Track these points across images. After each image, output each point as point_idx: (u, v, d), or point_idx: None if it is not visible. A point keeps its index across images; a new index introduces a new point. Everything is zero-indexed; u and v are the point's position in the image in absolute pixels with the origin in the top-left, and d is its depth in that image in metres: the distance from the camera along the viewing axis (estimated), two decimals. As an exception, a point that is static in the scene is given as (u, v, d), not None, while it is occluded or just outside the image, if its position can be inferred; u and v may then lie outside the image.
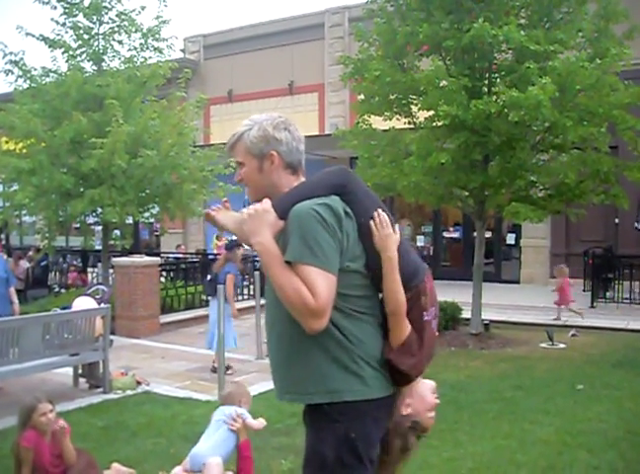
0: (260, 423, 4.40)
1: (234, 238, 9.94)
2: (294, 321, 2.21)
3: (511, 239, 17.48)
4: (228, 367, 8.11)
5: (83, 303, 7.97)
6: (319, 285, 2.12)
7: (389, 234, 2.34)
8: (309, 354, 2.25)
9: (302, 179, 2.43)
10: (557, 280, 11.86)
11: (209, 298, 8.92)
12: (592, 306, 12.85)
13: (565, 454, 4.96)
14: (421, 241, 18.67)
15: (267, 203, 2.26)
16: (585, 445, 5.12)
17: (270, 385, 7.42)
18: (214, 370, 7.94)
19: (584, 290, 14.15)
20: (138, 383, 7.61)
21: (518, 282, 16.91)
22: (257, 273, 10.15)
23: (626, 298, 12.87)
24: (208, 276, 8.93)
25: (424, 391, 2.55)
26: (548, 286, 16.08)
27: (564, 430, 5.54)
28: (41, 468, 4.32)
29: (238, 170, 2.47)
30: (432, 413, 2.57)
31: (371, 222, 2.33)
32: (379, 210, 2.35)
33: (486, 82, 9.51)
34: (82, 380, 7.66)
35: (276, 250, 2.20)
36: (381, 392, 2.31)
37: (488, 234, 16.74)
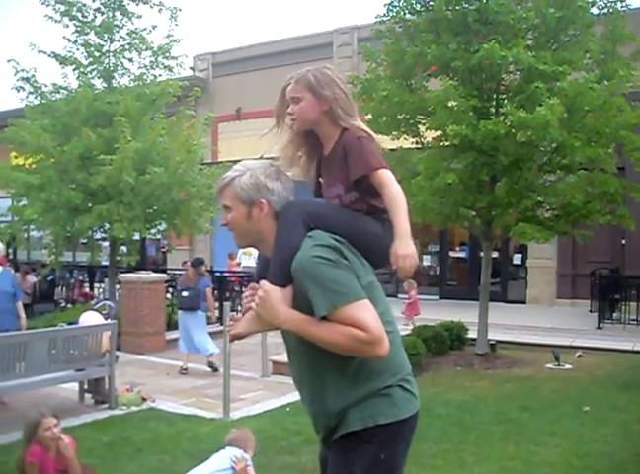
0: None
1: (200, 256, 11.30)
2: (319, 365, 2.27)
3: (517, 259, 17.47)
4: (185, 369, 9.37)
5: (90, 318, 8.01)
6: (364, 318, 2.12)
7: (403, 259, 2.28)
8: (341, 391, 2.26)
9: None
10: (410, 294, 12.61)
11: (182, 311, 9.79)
12: (598, 327, 12.78)
13: (571, 477, 4.94)
14: (427, 260, 18.65)
15: (263, 284, 2.24)
16: (591, 468, 5.09)
17: (274, 403, 7.44)
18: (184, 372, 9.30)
19: (590, 311, 14.10)
20: (144, 399, 7.60)
21: (524, 303, 16.86)
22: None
23: (633, 319, 12.79)
24: (184, 293, 9.68)
25: None
26: (555, 307, 16.08)
27: (570, 451, 5.50)
28: (46, 483, 4.32)
29: (224, 214, 2.41)
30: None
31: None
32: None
33: (494, 103, 9.56)
34: (88, 396, 7.67)
35: (303, 317, 2.19)
36: (410, 411, 2.32)
37: (495, 254, 16.73)
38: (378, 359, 2.18)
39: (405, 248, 2.24)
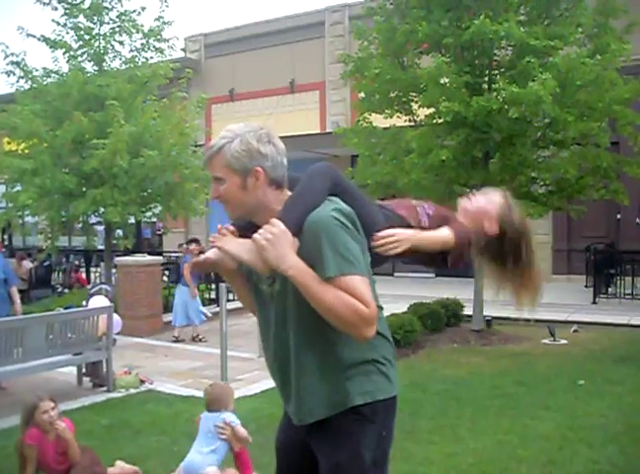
0: (246, 434, 4.34)
1: (196, 237, 11.93)
2: (318, 335, 2.19)
3: (513, 235, 17.49)
4: (198, 336, 10.43)
5: (98, 302, 8.04)
6: (365, 293, 2.06)
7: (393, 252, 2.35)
8: (341, 363, 2.21)
9: (287, 193, 2.25)
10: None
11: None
12: (594, 302, 12.86)
13: (565, 449, 4.98)
14: (423, 238, 18.66)
15: (278, 223, 2.08)
16: (585, 440, 5.14)
17: (271, 383, 7.47)
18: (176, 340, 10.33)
19: (586, 286, 14.18)
20: (142, 382, 7.64)
21: (520, 279, 16.90)
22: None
23: (628, 294, 12.88)
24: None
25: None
26: (550, 283, 16.10)
27: (565, 425, 5.55)
28: (46, 465, 4.36)
29: (214, 185, 2.23)
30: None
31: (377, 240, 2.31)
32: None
33: (486, 79, 9.53)
34: (86, 379, 7.69)
35: (309, 270, 2.07)
36: (397, 388, 2.33)
37: (490, 231, 16.81)
38: (361, 340, 2.12)
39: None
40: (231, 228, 2.29)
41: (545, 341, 9.53)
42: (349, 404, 2.21)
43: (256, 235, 2.10)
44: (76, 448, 4.40)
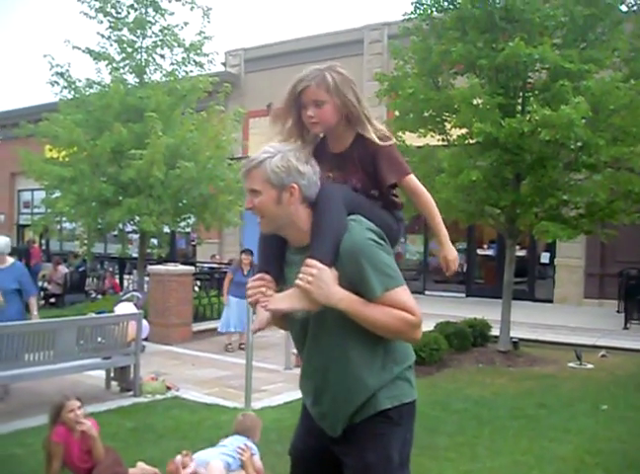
0: (260, 466, 4.48)
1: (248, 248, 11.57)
2: (349, 351, 2.31)
3: (545, 258, 17.38)
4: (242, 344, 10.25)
5: (125, 309, 8.24)
6: (409, 301, 2.23)
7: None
8: (371, 375, 2.33)
9: None
10: None
11: None
12: (625, 328, 12.70)
13: (581, 472, 4.99)
14: (454, 258, 18.64)
15: (314, 263, 2.19)
16: (602, 465, 5.13)
17: (295, 395, 7.56)
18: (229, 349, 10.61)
19: (618, 311, 14.01)
20: (168, 388, 7.79)
21: (551, 302, 16.79)
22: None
23: (661, 321, 12.69)
24: None
25: None
26: (582, 307, 15.99)
27: (583, 448, 5.55)
28: (70, 463, 4.52)
29: (250, 197, 2.33)
30: None
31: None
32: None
33: (520, 101, 9.57)
34: (114, 383, 7.88)
35: (357, 298, 2.21)
36: (416, 392, 2.47)
37: (522, 253, 16.73)
38: (414, 342, 2.35)
39: (452, 252, 2.59)
40: (267, 277, 2.38)
41: (571, 364, 9.46)
42: (378, 408, 2.34)
43: (298, 281, 2.20)
44: (100, 447, 4.55)
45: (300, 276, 2.20)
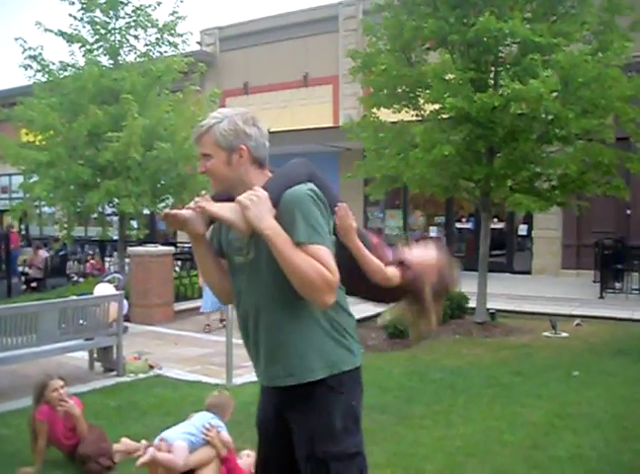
0: (228, 439, 4.45)
1: None
2: (286, 305, 2.39)
3: (523, 230, 17.60)
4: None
5: (103, 290, 8.31)
6: (331, 262, 2.28)
7: (349, 225, 2.53)
8: (308, 333, 2.41)
9: (268, 174, 2.50)
10: None
11: None
12: (600, 297, 12.95)
13: (551, 435, 5.18)
14: (434, 232, 18.85)
15: (261, 189, 2.32)
16: (570, 427, 5.33)
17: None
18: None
19: (594, 281, 14.25)
20: (151, 367, 7.91)
21: (529, 273, 17.04)
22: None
23: (635, 289, 12.93)
24: None
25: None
26: (560, 277, 16.26)
27: (553, 413, 5.75)
28: (56, 440, 4.65)
29: (202, 161, 2.47)
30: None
31: (336, 214, 2.51)
32: (343, 204, 2.57)
33: (492, 75, 9.68)
34: (97, 364, 7.98)
35: (283, 233, 2.28)
36: (361, 359, 2.55)
37: (501, 225, 16.96)
38: (323, 305, 2.33)
39: None
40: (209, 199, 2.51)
41: (547, 333, 9.68)
42: (315, 377, 2.42)
43: (239, 197, 2.32)
44: (84, 424, 4.67)
45: (244, 194, 2.32)
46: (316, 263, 2.26)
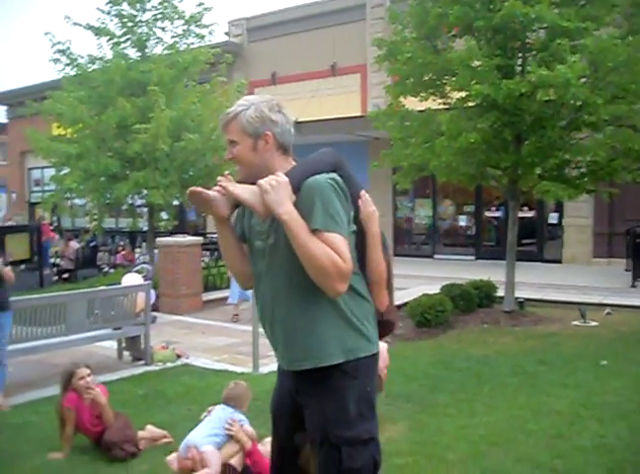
0: (252, 431, 4.42)
1: None
2: (304, 290, 2.42)
3: (553, 218, 17.37)
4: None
5: (131, 280, 8.44)
6: (345, 250, 2.31)
7: (373, 211, 2.60)
8: (325, 319, 2.44)
9: (292, 161, 2.55)
10: None
11: None
12: (632, 286, 12.73)
13: (576, 424, 5.13)
14: (463, 220, 18.73)
15: (282, 175, 2.36)
16: (596, 416, 5.26)
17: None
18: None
19: (626, 270, 14.04)
20: (178, 356, 8.02)
21: (560, 262, 16.82)
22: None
23: (668, 278, 12.71)
24: None
25: (383, 350, 2.89)
26: (591, 266, 16.04)
27: (579, 402, 5.68)
28: (82, 427, 4.74)
29: (230, 148, 2.53)
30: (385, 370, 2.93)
31: (359, 200, 2.59)
32: (364, 191, 2.62)
33: (518, 61, 9.55)
34: (126, 353, 8.11)
35: (301, 219, 2.32)
36: (378, 346, 2.58)
37: (531, 214, 16.76)
38: (335, 294, 2.36)
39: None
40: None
41: (575, 322, 9.57)
42: (332, 361, 2.45)
43: (260, 180, 2.36)
44: (109, 412, 4.76)
45: (265, 178, 2.36)
46: (330, 250, 2.29)
